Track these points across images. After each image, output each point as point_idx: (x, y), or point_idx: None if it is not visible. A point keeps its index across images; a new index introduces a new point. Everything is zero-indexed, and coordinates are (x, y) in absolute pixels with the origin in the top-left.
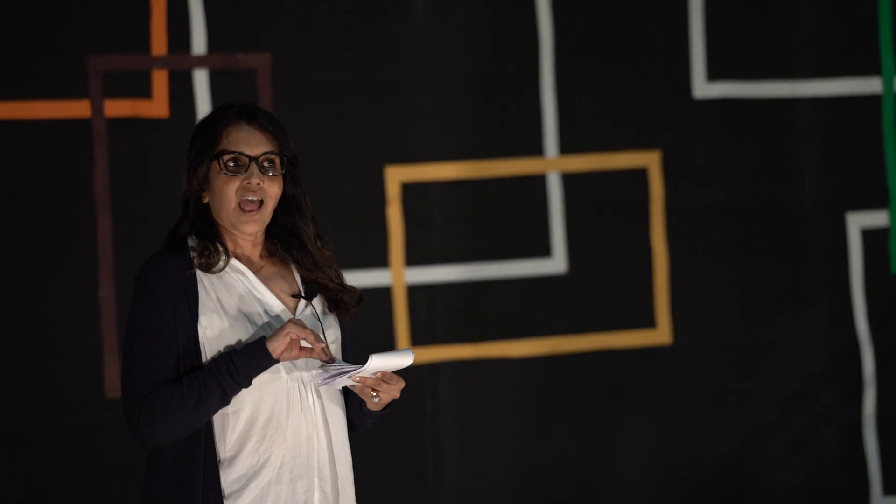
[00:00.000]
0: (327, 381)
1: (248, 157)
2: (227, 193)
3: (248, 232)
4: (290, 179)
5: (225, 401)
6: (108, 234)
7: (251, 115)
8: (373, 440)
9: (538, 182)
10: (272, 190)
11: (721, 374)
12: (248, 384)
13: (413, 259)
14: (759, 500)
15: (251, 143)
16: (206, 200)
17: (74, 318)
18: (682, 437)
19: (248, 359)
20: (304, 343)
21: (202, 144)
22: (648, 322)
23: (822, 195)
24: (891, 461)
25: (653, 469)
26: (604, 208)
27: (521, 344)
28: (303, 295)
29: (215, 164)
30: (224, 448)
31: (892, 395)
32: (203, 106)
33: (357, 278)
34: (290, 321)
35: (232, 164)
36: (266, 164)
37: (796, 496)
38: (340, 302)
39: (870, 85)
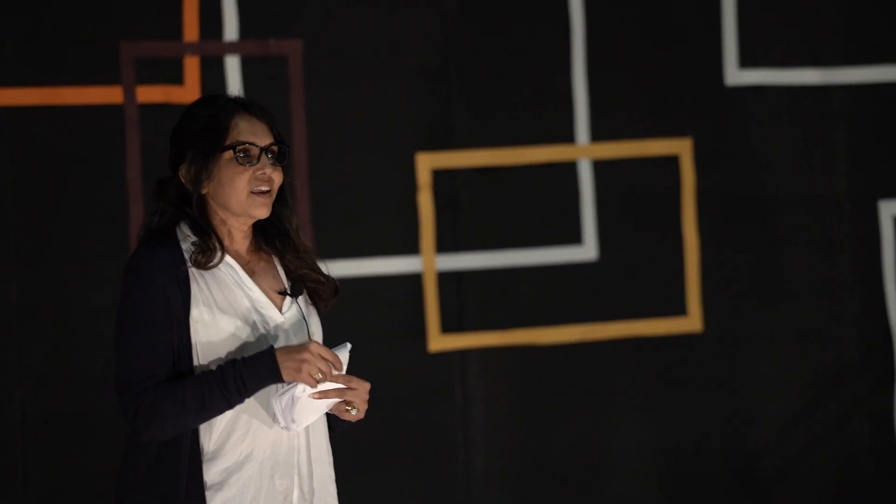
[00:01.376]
0: (289, 405)
1: (259, 147)
2: (240, 183)
3: (260, 216)
4: (284, 169)
5: (228, 409)
6: (140, 220)
7: (247, 106)
8: (403, 427)
9: (569, 169)
10: (278, 179)
11: (752, 362)
12: (251, 395)
13: (443, 246)
14: (791, 488)
15: (258, 133)
16: (205, 191)
17: (107, 304)
18: (712, 425)
19: (257, 375)
20: (318, 377)
21: (208, 136)
22: (679, 310)
23: (853, 183)
24: None
25: (684, 457)
26: (635, 196)
27: (551, 331)
28: (289, 293)
29: (226, 155)
30: (209, 441)
31: None
32: (235, 92)
33: (387, 265)
34: (312, 344)
35: (243, 155)
36: (273, 153)
37: (829, 485)
38: (321, 292)
39: None
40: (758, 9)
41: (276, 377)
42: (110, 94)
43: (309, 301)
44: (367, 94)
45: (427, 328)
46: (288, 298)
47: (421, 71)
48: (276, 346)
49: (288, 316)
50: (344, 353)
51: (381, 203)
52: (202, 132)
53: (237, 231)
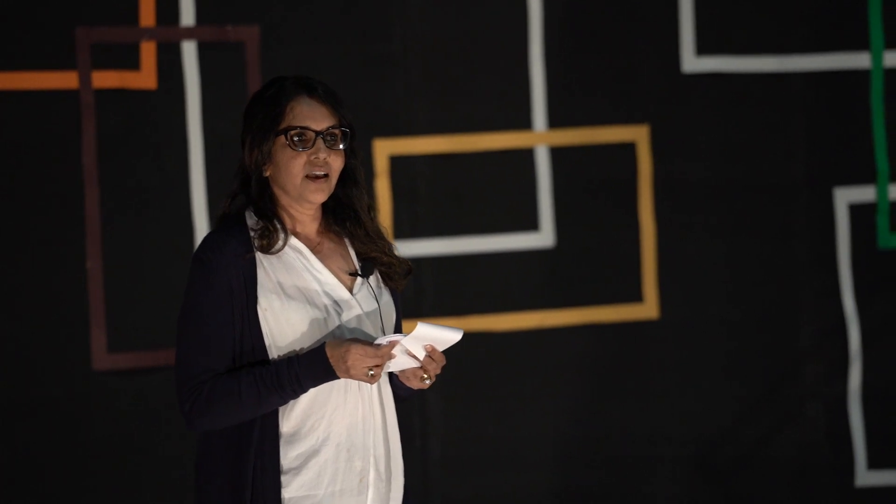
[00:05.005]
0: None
1: (315, 131)
2: (295, 168)
3: (316, 201)
4: (347, 152)
5: (283, 404)
6: (96, 205)
7: (311, 88)
8: None
9: (526, 156)
10: (336, 163)
11: (708, 348)
12: (306, 391)
13: (400, 232)
14: (747, 474)
15: (315, 117)
16: (267, 174)
17: (62, 290)
18: (668, 412)
19: (312, 374)
20: (371, 374)
21: (265, 119)
22: (636, 296)
23: (809, 170)
24: (875, 436)
25: (639, 444)
26: (592, 182)
27: (508, 318)
28: (360, 273)
29: (280, 139)
30: (287, 425)
31: (878, 370)
32: (191, 78)
33: None
34: (352, 348)
35: (298, 139)
36: (330, 137)
37: (784, 470)
38: (393, 274)
39: (858, 60)
40: None
41: (331, 375)
42: (66, 80)
43: (381, 282)
44: (324, 81)
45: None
46: (359, 279)
47: (378, 57)
48: (349, 327)
49: (359, 297)
50: (456, 334)
51: None
52: (260, 115)
53: (303, 214)
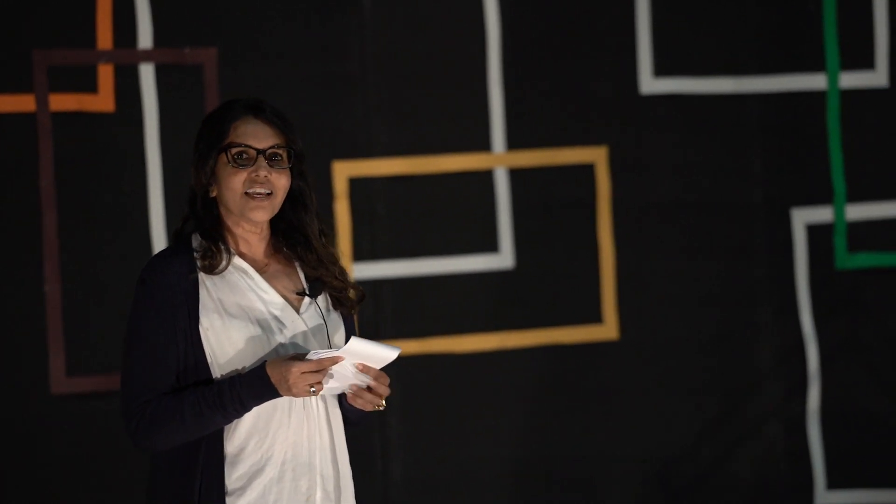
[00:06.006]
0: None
1: (256, 149)
2: (234, 184)
3: (257, 219)
4: (297, 174)
5: (227, 423)
6: (54, 228)
7: (258, 109)
8: None
9: (485, 177)
10: (280, 182)
11: (668, 368)
12: (250, 410)
13: (360, 254)
14: (706, 493)
15: (259, 136)
16: (213, 194)
17: (19, 314)
18: (628, 432)
19: (253, 393)
20: (312, 391)
21: (210, 138)
22: (595, 317)
23: (767, 191)
24: (834, 455)
25: (599, 464)
26: (551, 204)
27: (468, 339)
28: (307, 293)
29: (223, 157)
30: (231, 445)
31: (836, 390)
32: (149, 100)
33: None
34: (292, 367)
35: (239, 157)
36: (274, 156)
37: (743, 489)
38: (344, 299)
39: (814, 81)
40: (672, 17)
41: (273, 394)
42: (23, 103)
43: (330, 305)
44: (282, 102)
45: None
46: (306, 299)
47: (337, 79)
48: (294, 344)
49: (306, 316)
50: (392, 353)
51: None
52: (206, 135)
53: (249, 233)
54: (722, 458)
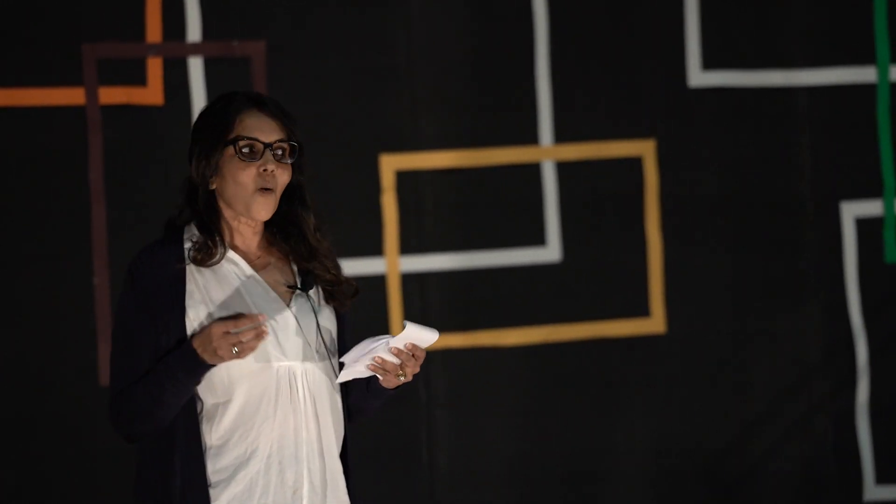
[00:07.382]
0: (354, 362)
1: (263, 143)
2: (244, 179)
3: (261, 218)
4: (296, 168)
5: (182, 400)
6: (103, 221)
7: (261, 102)
8: (368, 428)
9: (533, 171)
10: (283, 178)
11: (715, 363)
12: (199, 383)
13: (407, 247)
14: (753, 489)
15: (265, 129)
16: (213, 187)
17: (69, 306)
18: (675, 426)
19: (186, 368)
20: (233, 331)
21: (214, 131)
22: (643, 311)
23: (816, 184)
24: (883, 450)
25: (646, 458)
26: (598, 197)
27: (515, 332)
28: (298, 286)
29: (229, 150)
30: (213, 436)
31: (886, 384)
32: (198, 93)
33: (351, 266)
34: (212, 326)
35: (247, 151)
36: (279, 151)
37: (790, 485)
38: (337, 294)
39: (865, 74)
40: (720, 10)
41: (202, 364)
42: (73, 96)
43: (323, 300)
44: (330, 96)
45: (390, 330)
46: (297, 292)
47: (384, 72)
48: (283, 338)
49: (296, 310)
50: (433, 335)
51: (345, 205)
52: (209, 127)
53: (245, 227)
54: (770, 453)
